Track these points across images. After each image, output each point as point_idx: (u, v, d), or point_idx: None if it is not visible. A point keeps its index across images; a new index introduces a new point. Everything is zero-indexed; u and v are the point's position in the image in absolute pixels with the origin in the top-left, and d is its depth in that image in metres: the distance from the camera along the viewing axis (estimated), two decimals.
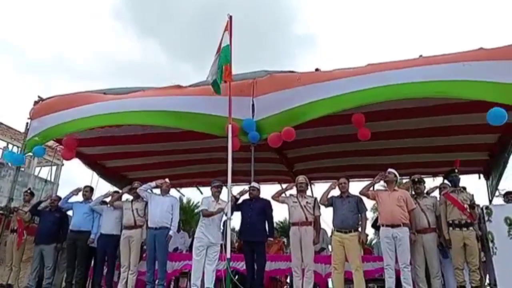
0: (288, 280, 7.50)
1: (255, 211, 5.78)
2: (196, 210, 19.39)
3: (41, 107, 7.41)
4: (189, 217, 20.49)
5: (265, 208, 5.86)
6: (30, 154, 7.63)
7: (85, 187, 6.99)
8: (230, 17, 6.25)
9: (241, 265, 6.03)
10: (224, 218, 5.89)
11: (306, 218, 5.56)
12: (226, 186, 5.59)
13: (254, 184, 6.03)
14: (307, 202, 5.67)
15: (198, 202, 6.26)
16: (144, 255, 6.40)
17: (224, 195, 5.92)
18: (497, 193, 7.83)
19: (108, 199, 6.62)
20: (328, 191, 5.74)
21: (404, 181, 8.05)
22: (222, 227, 6.00)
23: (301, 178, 5.91)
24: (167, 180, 6.37)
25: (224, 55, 5.91)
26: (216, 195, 5.97)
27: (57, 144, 8.21)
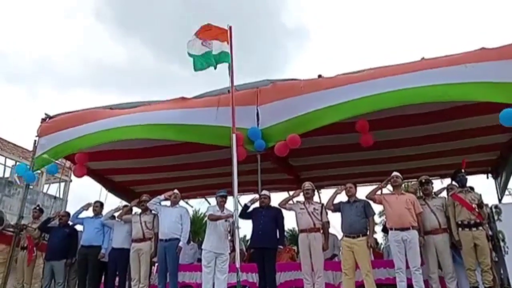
0: None
1: (267, 218, 5.77)
2: (205, 220, 19.32)
3: (49, 124, 7.54)
4: (197, 228, 20.46)
5: (277, 216, 5.86)
6: (39, 171, 7.70)
7: (95, 202, 7.06)
8: (230, 28, 6.09)
9: (252, 277, 6.05)
10: (229, 227, 5.90)
11: (314, 224, 5.57)
12: (232, 196, 5.59)
13: (265, 192, 6.04)
14: (314, 209, 5.68)
15: (207, 211, 6.26)
16: (153, 267, 6.41)
17: (229, 205, 5.91)
18: (506, 192, 7.77)
19: (117, 214, 6.67)
20: (334, 196, 5.75)
21: (412, 183, 8.00)
22: (229, 236, 6.00)
23: (307, 185, 5.92)
24: (176, 191, 6.38)
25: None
26: (221, 204, 6.00)
27: (65, 161, 8.28)
